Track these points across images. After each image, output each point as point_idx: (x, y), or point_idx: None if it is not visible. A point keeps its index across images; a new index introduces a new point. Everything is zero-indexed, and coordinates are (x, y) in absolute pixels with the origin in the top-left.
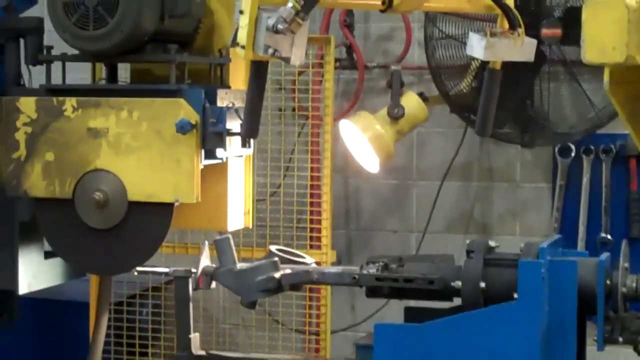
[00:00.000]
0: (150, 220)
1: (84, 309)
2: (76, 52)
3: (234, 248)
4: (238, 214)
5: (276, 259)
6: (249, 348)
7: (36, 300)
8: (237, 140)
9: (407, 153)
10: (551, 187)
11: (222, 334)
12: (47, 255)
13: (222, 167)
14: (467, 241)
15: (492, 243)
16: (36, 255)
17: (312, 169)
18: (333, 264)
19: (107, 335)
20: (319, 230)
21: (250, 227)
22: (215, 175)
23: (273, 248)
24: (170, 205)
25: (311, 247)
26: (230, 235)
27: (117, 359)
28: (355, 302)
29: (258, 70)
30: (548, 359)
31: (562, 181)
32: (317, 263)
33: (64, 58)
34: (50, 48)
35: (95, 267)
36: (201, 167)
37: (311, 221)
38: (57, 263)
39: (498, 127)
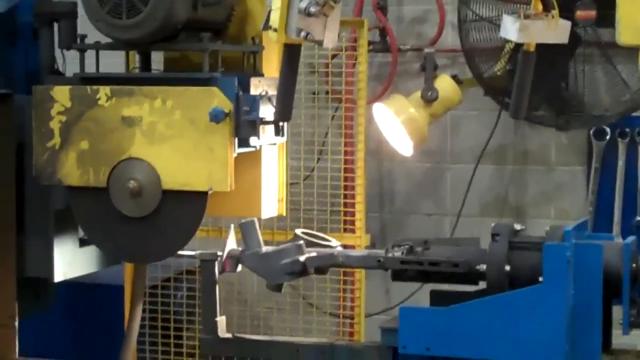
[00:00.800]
0: (184, 209)
1: (119, 293)
2: (110, 40)
3: (259, 231)
4: (272, 201)
5: (301, 242)
6: (283, 331)
7: (71, 284)
8: (271, 128)
9: (441, 136)
10: (586, 170)
11: (256, 318)
12: (82, 243)
13: (256, 155)
14: (492, 224)
15: (517, 226)
16: (71, 244)
17: (345, 153)
18: (367, 247)
19: (142, 319)
20: (353, 214)
21: (284, 214)
22: (249, 163)
23: (298, 231)
24: (204, 193)
25: (345, 230)
26: (255, 219)
27: (152, 342)
28: (390, 285)
29: (291, 54)
30: (573, 342)
31: (597, 164)
32: (351, 246)
33: (97, 47)
34: (84, 37)
35: (129, 255)
36: (235, 155)
37: (345, 205)
38: (91, 251)
39: (532, 109)
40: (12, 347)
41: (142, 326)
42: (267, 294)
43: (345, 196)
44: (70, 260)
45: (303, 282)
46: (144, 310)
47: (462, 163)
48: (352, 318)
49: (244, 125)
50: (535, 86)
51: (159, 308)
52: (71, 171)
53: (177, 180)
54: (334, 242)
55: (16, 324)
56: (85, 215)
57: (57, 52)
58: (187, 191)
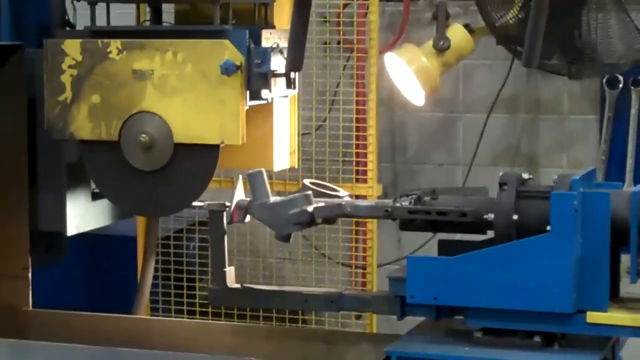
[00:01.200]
0: (196, 162)
1: (132, 243)
2: None
3: (267, 181)
4: (284, 154)
5: (309, 192)
6: (295, 282)
7: (85, 235)
8: (282, 80)
9: (453, 85)
10: (599, 119)
11: (268, 268)
12: (95, 197)
13: (268, 107)
14: (500, 173)
15: (525, 175)
16: (83, 197)
17: (357, 103)
18: (379, 197)
19: (155, 270)
20: (365, 164)
21: (296, 166)
22: (261, 115)
23: (307, 181)
24: (216, 146)
25: (357, 180)
26: (263, 169)
27: (164, 293)
28: (401, 235)
29: (302, 3)
30: (581, 291)
31: (610, 113)
32: (363, 197)
33: None
34: None
35: (141, 208)
36: (246, 108)
37: (357, 155)
38: (104, 205)
39: (545, 58)
40: (26, 298)
41: (155, 277)
42: (279, 244)
43: (357, 146)
44: (82, 214)
45: (315, 233)
46: (156, 262)
47: (474, 112)
48: (364, 268)
49: (255, 77)
50: (548, 34)
51: (172, 259)
52: (83, 125)
53: (188, 134)
54: (342, 192)
55: (30, 275)
56: (97, 169)
57: (68, 3)
58: (199, 144)
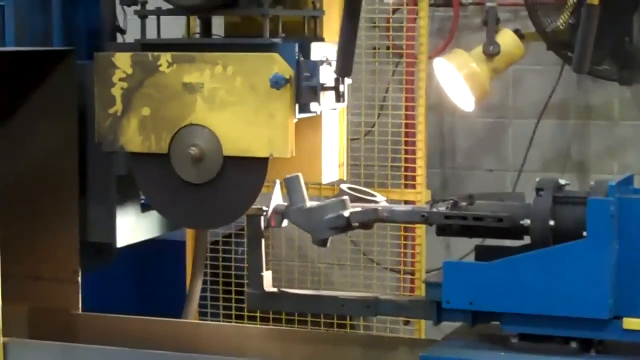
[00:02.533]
0: (245, 175)
1: (181, 247)
2: (170, 6)
3: (304, 186)
4: (332, 166)
5: (346, 197)
6: (343, 287)
7: None
8: (332, 93)
9: (502, 91)
10: None
11: (317, 273)
12: (144, 208)
13: (316, 120)
14: (537, 179)
15: (562, 181)
16: (133, 209)
17: (406, 108)
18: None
19: (204, 274)
20: (414, 170)
21: (344, 178)
22: (310, 128)
23: (343, 186)
24: (265, 159)
25: (406, 186)
26: (300, 174)
27: (213, 297)
28: (450, 241)
29: (351, 7)
30: (618, 297)
31: None
32: (412, 202)
33: (158, 12)
34: (144, 3)
35: (190, 221)
36: (295, 121)
37: (406, 160)
38: (153, 216)
39: (596, 64)
40: (76, 301)
41: (203, 282)
42: (327, 249)
43: (406, 152)
44: (132, 226)
45: (364, 238)
46: (205, 266)
47: (524, 118)
48: (412, 274)
49: (304, 91)
50: (599, 40)
51: (220, 264)
52: (133, 138)
53: (238, 147)
54: (379, 197)
55: (79, 279)
56: (147, 182)
57: (118, 8)
58: (248, 157)
